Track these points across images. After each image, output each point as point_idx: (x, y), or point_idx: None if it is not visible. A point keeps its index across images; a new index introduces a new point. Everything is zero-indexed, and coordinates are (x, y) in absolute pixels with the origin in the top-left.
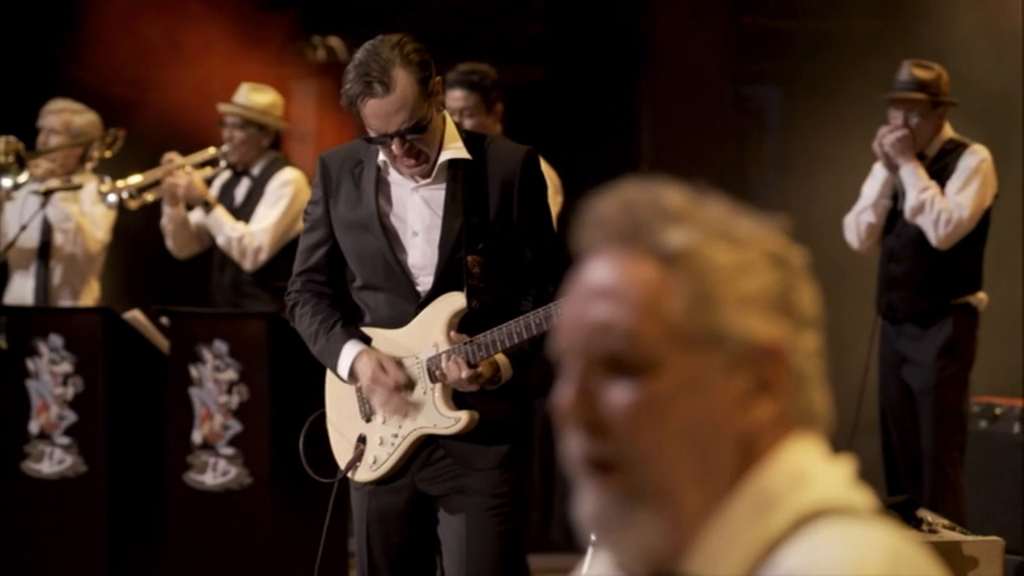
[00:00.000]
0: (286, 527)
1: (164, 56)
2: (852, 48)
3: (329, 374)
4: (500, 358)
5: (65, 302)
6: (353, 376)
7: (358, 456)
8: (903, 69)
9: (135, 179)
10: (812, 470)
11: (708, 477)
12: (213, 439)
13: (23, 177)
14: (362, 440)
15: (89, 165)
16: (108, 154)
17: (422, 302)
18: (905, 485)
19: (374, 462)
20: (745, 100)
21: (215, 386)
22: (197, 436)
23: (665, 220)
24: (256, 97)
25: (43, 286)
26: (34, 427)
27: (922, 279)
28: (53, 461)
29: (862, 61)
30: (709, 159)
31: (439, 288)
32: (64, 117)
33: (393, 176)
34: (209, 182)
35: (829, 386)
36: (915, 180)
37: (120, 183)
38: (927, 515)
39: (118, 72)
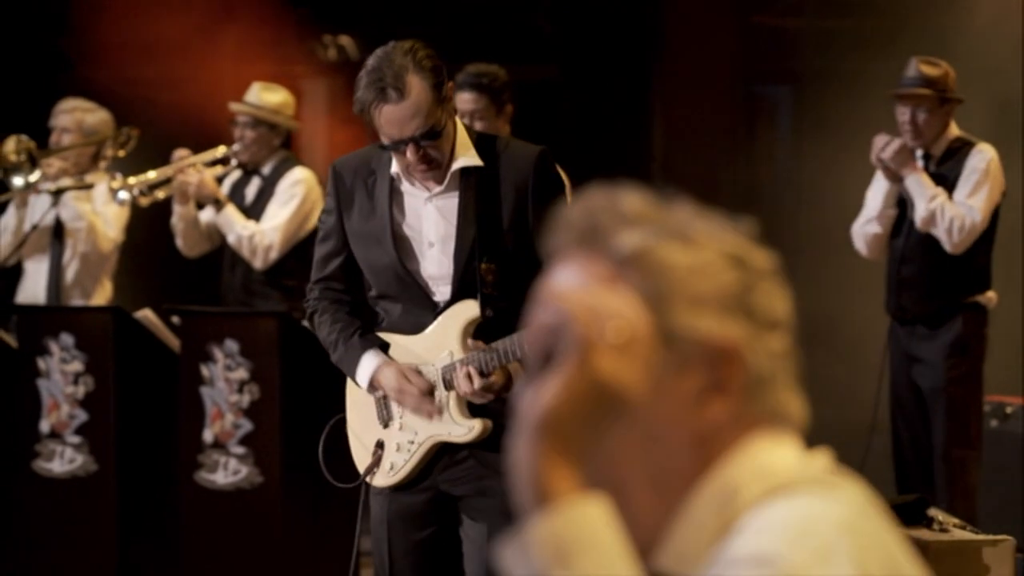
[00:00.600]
0: (297, 526)
1: (175, 55)
2: (863, 46)
3: (349, 379)
4: (515, 367)
5: (77, 301)
6: (373, 387)
7: (376, 461)
8: (910, 65)
9: (146, 176)
10: (776, 464)
11: (663, 475)
12: (224, 438)
13: (35, 176)
14: (380, 445)
15: (102, 164)
16: (121, 153)
17: (439, 311)
18: (916, 485)
19: (391, 468)
20: (756, 99)
21: (226, 385)
22: (208, 435)
23: (621, 223)
24: (267, 96)
25: (55, 285)
26: (45, 426)
27: (932, 280)
28: (64, 460)
29: (873, 59)
30: (720, 158)
31: (457, 298)
32: (76, 116)
33: (406, 187)
34: (220, 181)
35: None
36: (922, 190)
37: (131, 180)
38: (938, 514)
39: (129, 71)
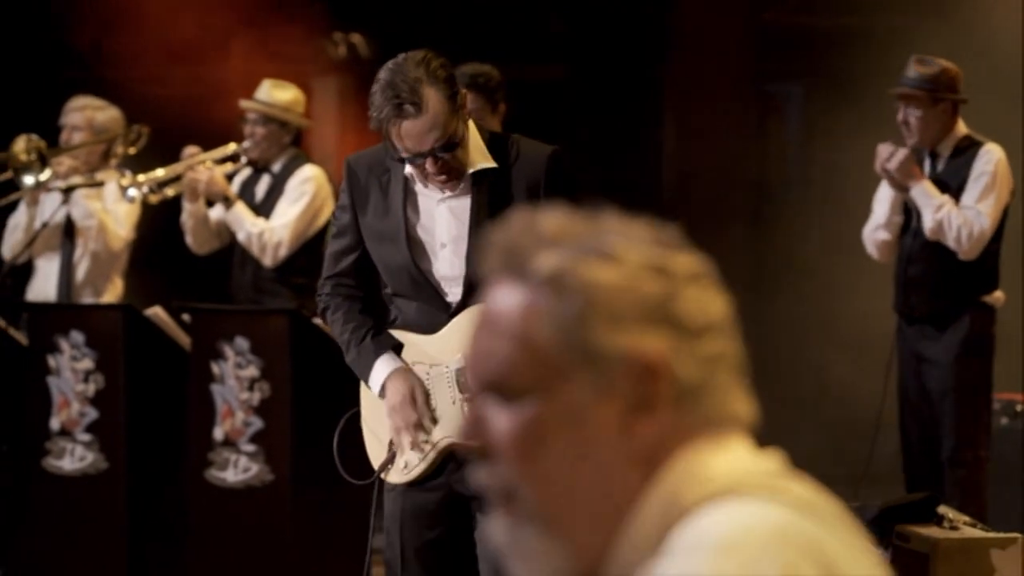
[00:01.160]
0: (307, 524)
1: (186, 52)
2: (874, 44)
3: None
4: None
5: (88, 299)
6: (384, 393)
7: (391, 458)
8: (908, 64)
9: (156, 173)
10: (714, 469)
11: (602, 500)
12: (234, 436)
13: (46, 175)
14: (394, 443)
15: (113, 162)
16: (131, 151)
17: (453, 311)
18: (926, 483)
19: (405, 466)
20: (767, 97)
21: (236, 383)
22: (218, 433)
23: (539, 245)
24: (277, 94)
25: (66, 283)
26: (55, 424)
27: (939, 280)
28: (74, 458)
29: (884, 57)
30: (732, 157)
31: (468, 299)
32: (87, 114)
33: (420, 188)
34: (230, 178)
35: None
36: (928, 200)
37: (141, 177)
38: (948, 512)
39: (140, 69)
